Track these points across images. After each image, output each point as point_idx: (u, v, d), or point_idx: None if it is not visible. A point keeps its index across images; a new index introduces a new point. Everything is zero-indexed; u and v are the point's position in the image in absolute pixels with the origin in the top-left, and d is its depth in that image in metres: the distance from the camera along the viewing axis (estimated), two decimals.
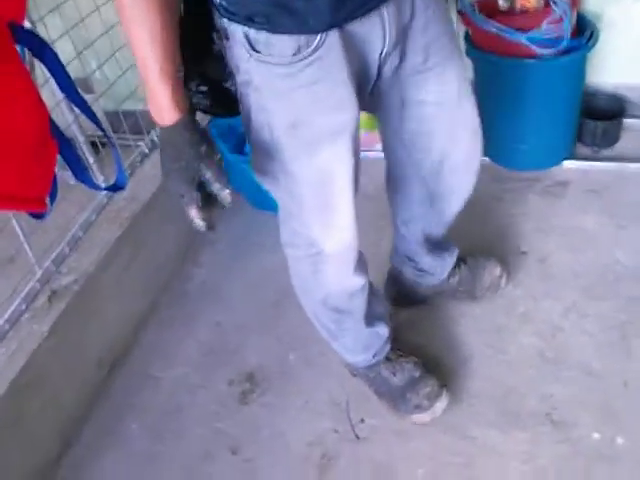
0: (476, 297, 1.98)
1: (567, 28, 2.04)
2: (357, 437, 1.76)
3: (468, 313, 1.99)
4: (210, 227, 1.16)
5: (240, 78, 1.19)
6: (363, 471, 1.69)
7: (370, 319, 1.69)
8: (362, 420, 1.79)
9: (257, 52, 1.12)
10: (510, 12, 2.14)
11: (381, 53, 1.23)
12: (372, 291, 1.69)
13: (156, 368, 2.05)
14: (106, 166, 2.15)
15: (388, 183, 1.72)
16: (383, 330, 1.74)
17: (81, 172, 1.80)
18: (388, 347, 1.76)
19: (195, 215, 1.14)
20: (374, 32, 1.18)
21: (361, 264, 1.57)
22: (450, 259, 1.92)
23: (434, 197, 1.65)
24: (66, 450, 1.86)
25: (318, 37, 1.11)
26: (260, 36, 1.10)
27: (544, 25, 2.04)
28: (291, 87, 1.16)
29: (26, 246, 1.82)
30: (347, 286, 1.57)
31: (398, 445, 1.72)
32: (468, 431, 1.71)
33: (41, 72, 1.60)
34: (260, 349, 2.04)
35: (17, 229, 1.78)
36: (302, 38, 1.10)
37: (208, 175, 1.12)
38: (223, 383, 1.98)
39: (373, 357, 1.74)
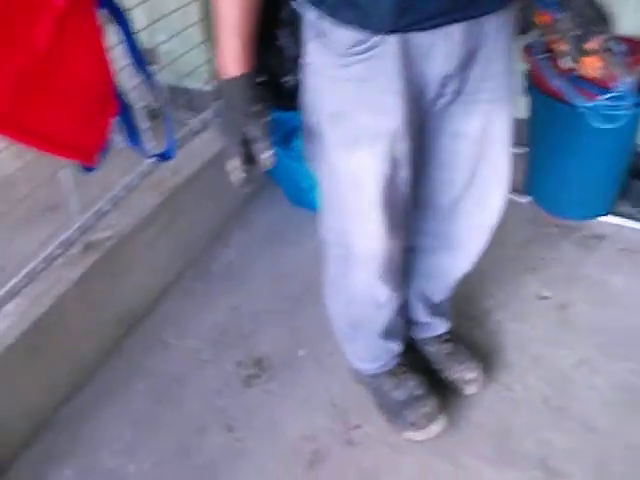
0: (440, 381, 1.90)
1: (627, 100, 2.03)
2: (350, 441, 1.79)
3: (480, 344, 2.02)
4: (245, 183, 1.21)
5: (304, 60, 1.24)
6: (349, 474, 1.72)
7: (387, 333, 1.71)
8: (358, 426, 1.82)
9: (321, 37, 1.17)
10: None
11: (444, 74, 1.20)
12: (398, 307, 1.69)
13: (170, 335, 2.11)
14: (156, 136, 2.21)
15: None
16: (396, 347, 1.77)
17: (134, 137, 1.88)
18: (396, 362, 1.79)
19: (233, 168, 1.19)
20: (439, 50, 1.15)
21: (392, 275, 1.55)
22: (434, 326, 1.89)
23: (442, 238, 1.60)
24: (74, 395, 1.93)
25: (376, 37, 1.12)
26: (325, 22, 1.14)
27: (605, 99, 2.02)
28: (341, 78, 1.19)
29: (71, 195, 1.88)
30: (373, 295, 1.58)
31: (388, 457, 1.75)
32: (460, 459, 1.73)
33: (113, 37, 1.67)
34: (272, 338, 2.08)
35: (66, 178, 1.83)
36: (360, 34, 1.12)
37: (253, 133, 1.17)
38: (231, 363, 2.02)
39: (379, 368, 1.78)
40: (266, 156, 1.17)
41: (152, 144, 2.19)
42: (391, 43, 1.13)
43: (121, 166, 2.07)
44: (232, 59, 1.17)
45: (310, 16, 1.17)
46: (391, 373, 1.79)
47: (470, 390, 1.85)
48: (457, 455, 1.74)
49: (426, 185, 1.47)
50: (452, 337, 1.91)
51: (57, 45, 1.51)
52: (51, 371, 1.84)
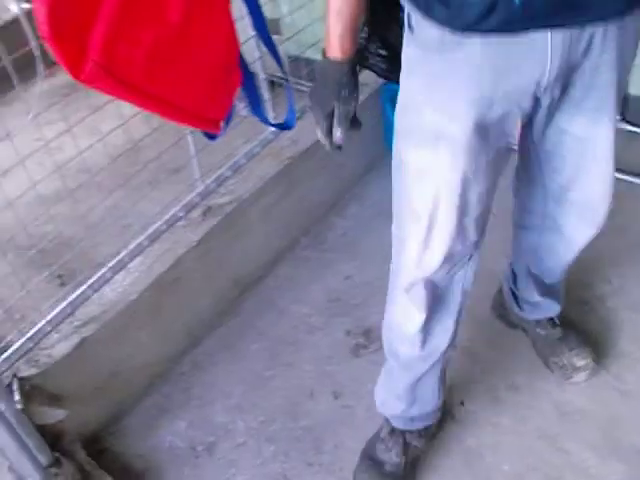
0: (548, 366, 1.87)
1: None
2: (453, 417, 1.79)
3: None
4: (335, 147, 1.29)
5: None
6: (453, 451, 1.72)
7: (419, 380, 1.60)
8: (462, 403, 1.82)
9: (410, 27, 1.15)
10: None
11: (539, 84, 1.12)
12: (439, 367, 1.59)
13: (283, 300, 2.17)
14: (278, 106, 2.25)
15: (516, 180, 1.59)
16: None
17: (257, 106, 1.92)
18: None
19: (320, 135, 1.29)
20: (531, 57, 1.07)
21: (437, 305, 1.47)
22: (545, 307, 1.82)
23: (549, 220, 1.53)
24: (189, 351, 2.05)
25: (459, 37, 1.07)
26: (415, 14, 1.12)
27: None
28: (417, 72, 1.18)
29: (194, 161, 1.96)
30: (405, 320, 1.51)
31: (490, 436, 1.74)
32: (563, 444, 1.69)
33: (239, 8, 1.71)
34: (382, 310, 2.09)
35: (190, 144, 1.92)
36: (445, 32, 1.08)
37: (336, 113, 1.24)
38: (341, 332, 2.06)
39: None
40: (337, 135, 1.26)
41: (273, 114, 2.25)
42: (475, 45, 1.07)
43: (243, 134, 2.14)
44: (334, 43, 1.21)
45: (405, 5, 1.15)
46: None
47: (579, 377, 1.80)
48: (560, 440, 1.70)
49: (535, 167, 1.43)
50: (564, 321, 1.86)
51: (188, 17, 1.57)
52: (170, 327, 1.96)
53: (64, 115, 1.68)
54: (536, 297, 1.78)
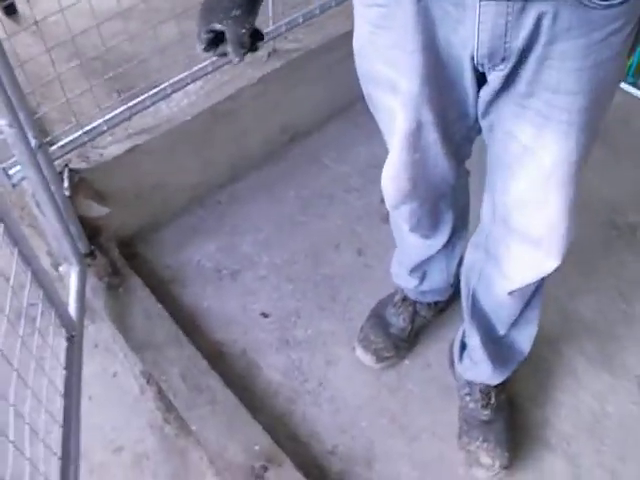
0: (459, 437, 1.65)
1: None
2: None
3: None
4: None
5: None
6: (456, 325, 1.79)
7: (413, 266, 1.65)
8: None
9: None
10: None
11: (472, 58, 1.00)
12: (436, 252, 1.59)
13: (328, 157, 2.22)
14: None
15: None
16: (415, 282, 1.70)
17: None
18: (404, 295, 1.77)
19: (199, 49, 1.09)
20: (461, 20, 0.95)
21: (412, 219, 1.44)
22: (480, 364, 1.58)
23: (490, 247, 1.36)
24: (230, 182, 2.14)
25: None
26: None
27: None
28: (362, 16, 1.09)
29: (269, 1, 1.97)
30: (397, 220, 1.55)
31: None
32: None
33: None
34: None
35: None
36: None
37: (227, 36, 1.05)
38: (376, 197, 2.10)
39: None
40: (234, 59, 1.05)
41: None
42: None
43: None
44: None
45: None
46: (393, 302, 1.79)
47: (479, 474, 1.58)
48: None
49: (487, 172, 1.27)
50: (499, 403, 1.63)
51: None
52: (216, 155, 2.03)
53: None
54: (475, 342, 1.54)
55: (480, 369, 1.57)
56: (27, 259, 1.33)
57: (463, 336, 1.62)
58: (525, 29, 0.91)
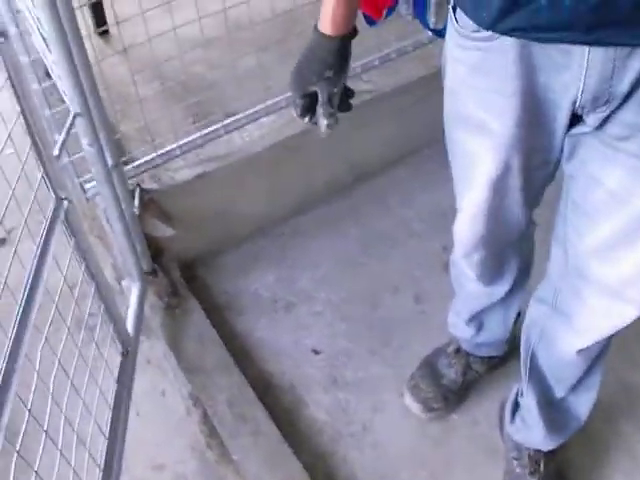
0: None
1: None
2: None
3: None
4: (323, 134, 1.17)
5: None
6: (507, 387, 1.76)
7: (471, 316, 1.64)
8: None
9: (451, 12, 1.07)
10: None
11: (575, 102, 0.99)
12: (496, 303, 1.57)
13: (392, 199, 2.22)
14: (439, 14, 2.24)
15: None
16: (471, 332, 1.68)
17: (420, 8, 1.95)
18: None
19: (296, 115, 1.18)
20: (563, 71, 0.96)
21: (478, 268, 1.44)
22: (533, 429, 1.54)
23: (560, 303, 1.33)
24: (294, 216, 2.16)
25: (489, 32, 0.99)
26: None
27: None
28: (458, 59, 1.09)
29: None
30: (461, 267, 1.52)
31: None
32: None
33: None
34: None
35: None
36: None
37: (320, 97, 1.11)
38: (438, 245, 2.10)
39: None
40: (323, 123, 1.13)
41: (434, 19, 2.25)
42: (508, 42, 0.97)
43: (399, 32, 2.16)
44: (326, 15, 1.07)
45: None
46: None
47: None
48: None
49: (559, 220, 1.26)
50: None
51: None
52: (283, 188, 2.06)
53: None
54: (530, 403, 1.50)
55: (532, 432, 1.53)
56: (92, 272, 1.37)
57: (517, 396, 1.57)
58: (631, 73, 0.91)
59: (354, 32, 1.11)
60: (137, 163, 1.72)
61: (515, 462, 1.58)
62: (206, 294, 1.94)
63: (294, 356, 1.84)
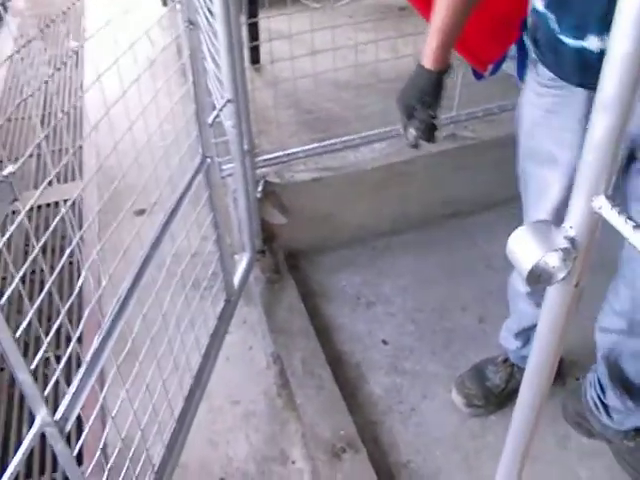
0: None
1: None
2: (564, 383, 2.04)
3: None
4: (413, 145, 1.47)
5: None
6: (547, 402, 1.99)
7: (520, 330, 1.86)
8: (577, 378, 2.06)
9: (532, 62, 1.39)
10: None
11: (633, 140, 1.23)
12: None
13: (480, 237, 2.53)
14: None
15: None
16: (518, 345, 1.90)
17: (522, 67, 2.26)
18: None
19: (402, 130, 1.48)
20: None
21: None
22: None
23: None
24: (388, 234, 2.51)
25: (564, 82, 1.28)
26: (535, 54, 1.38)
27: None
28: (535, 104, 1.39)
29: (457, 91, 2.35)
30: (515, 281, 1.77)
31: None
32: None
33: None
34: None
35: (458, 78, 2.32)
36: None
37: (416, 115, 1.41)
38: None
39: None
40: (412, 133, 1.43)
41: None
42: (579, 91, 1.25)
43: (503, 89, 2.46)
44: (428, 54, 1.37)
45: (529, 46, 1.41)
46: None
47: None
48: None
49: (621, 257, 1.48)
50: None
51: None
52: (383, 206, 2.42)
53: (376, 27, 2.18)
54: (628, 404, 1.69)
55: (637, 417, 1.71)
56: (217, 222, 1.77)
57: (602, 396, 1.75)
58: None
59: (448, 68, 1.42)
60: (266, 157, 2.14)
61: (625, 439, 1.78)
62: (303, 280, 2.31)
63: (365, 342, 2.16)
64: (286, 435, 1.90)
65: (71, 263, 2.38)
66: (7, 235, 0.88)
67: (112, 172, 1.24)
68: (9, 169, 0.82)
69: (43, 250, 2.44)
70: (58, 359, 1.05)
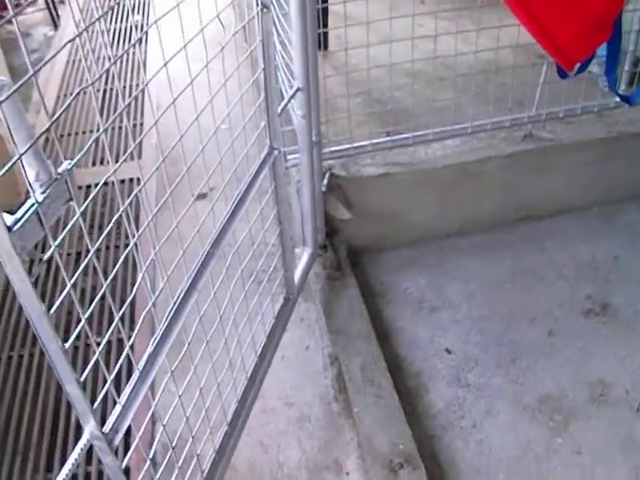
0: None
1: None
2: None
3: None
4: None
5: None
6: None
7: None
8: None
9: None
10: None
11: None
12: None
13: (550, 242, 2.40)
14: (630, 81, 2.37)
15: None
16: None
17: (611, 69, 2.12)
18: None
19: None
20: None
21: None
22: None
23: None
24: (456, 236, 2.40)
25: None
26: None
27: None
28: None
29: (538, 89, 2.21)
30: None
31: None
32: None
33: None
34: (627, 294, 2.21)
35: (542, 74, 2.17)
36: None
37: None
38: (584, 293, 2.22)
39: None
40: None
41: (624, 86, 2.39)
42: None
43: (587, 91, 2.32)
44: None
45: None
46: None
47: None
48: None
49: None
50: None
51: None
52: (452, 206, 2.30)
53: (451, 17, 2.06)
54: None
55: None
56: (281, 218, 1.68)
57: None
58: None
59: None
60: (334, 149, 2.04)
61: None
62: (364, 279, 2.20)
63: (427, 350, 2.05)
64: (341, 443, 1.80)
65: (127, 245, 2.32)
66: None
67: (174, 154, 1.16)
68: (65, 165, 0.73)
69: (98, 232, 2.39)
70: (107, 366, 0.97)
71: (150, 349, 1.09)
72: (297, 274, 1.94)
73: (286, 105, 1.61)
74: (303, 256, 2.02)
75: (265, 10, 1.35)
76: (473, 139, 2.21)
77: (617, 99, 2.27)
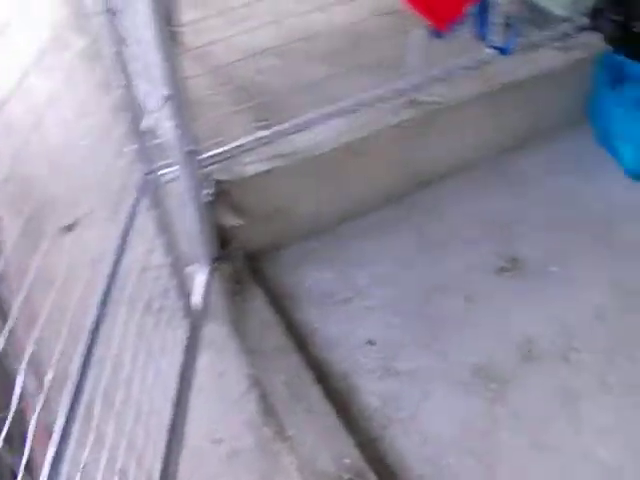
0: None
1: None
2: (565, 357, 1.88)
3: None
4: None
5: None
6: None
7: None
8: (576, 349, 1.90)
9: None
10: None
11: None
12: None
13: (447, 207, 2.32)
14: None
15: None
16: None
17: (483, 26, 2.07)
18: None
19: None
20: None
21: None
22: None
23: None
24: (353, 218, 2.26)
25: None
26: None
27: None
28: None
29: (415, 54, 2.11)
30: None
31: None
32: None
33: None
34: (533, 246, 2.18)
35: (414, 37, 2.07)
36: None
37: None
38: (491, 249, 2.17)
39: None
40: None
41: (496, 37, 2.34)
42: None
43: (463, 51, 2.28)
44: None
45: None
46: None
47: None
48: None
49: None
50: None
51: None
52: (343, 190, 2.17)
53: None
54: None
55: None
56: (170, 244, 1.49)
57: None
58: None
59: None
60: (211, 153, 1.85)
61: None
62: (268, 284, 2.04)
63: (349, 346, 1.92)
64: (281, 470, 1.66)
65: None
66: None
67: (27, 183, 0.96)
68: None
69: None
70: None
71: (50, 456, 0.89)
72: (195, 296, 1.76)
73: (154, 118, 1.41)
74: (199, 276, 1.83)
75: (113, 15, 1.14)
76: (356, 114, 2.08)
77: (492, 51, 2.22)
